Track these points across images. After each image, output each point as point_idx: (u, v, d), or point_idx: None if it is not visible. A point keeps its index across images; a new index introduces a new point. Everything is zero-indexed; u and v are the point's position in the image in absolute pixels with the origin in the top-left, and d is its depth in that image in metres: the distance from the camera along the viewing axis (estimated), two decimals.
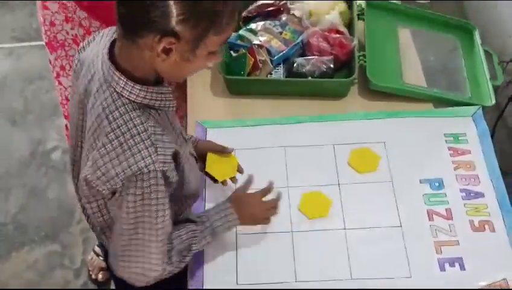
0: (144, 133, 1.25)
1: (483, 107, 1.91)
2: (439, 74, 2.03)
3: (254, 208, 1.58)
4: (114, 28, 1.32)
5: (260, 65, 1.96)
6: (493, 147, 1.82)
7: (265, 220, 1.60)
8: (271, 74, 1.99)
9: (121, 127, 1.25)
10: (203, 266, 1.61)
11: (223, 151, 1.67)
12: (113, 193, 1.30)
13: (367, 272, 1.59)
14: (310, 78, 1.94)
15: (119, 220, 1.33)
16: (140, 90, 1.26)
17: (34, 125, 3.18)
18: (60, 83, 2.11)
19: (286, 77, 1.98)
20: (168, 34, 1.16)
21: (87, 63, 1.37)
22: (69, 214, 2.79)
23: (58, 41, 2.01)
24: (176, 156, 1.33)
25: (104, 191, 1.29)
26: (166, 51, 1.19)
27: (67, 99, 2.13)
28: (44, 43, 2.07)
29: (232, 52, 2.04)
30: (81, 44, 1.47)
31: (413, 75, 2.00)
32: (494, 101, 1.91)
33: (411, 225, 1.66)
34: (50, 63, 2.09)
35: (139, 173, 1.24)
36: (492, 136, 1.86)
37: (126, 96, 1.26)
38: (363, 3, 2.13)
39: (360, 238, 1.65)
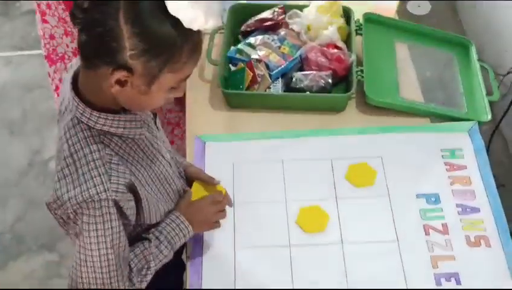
0: (99, 161, 1.25)
1: (480, 121, 1.93)
2: (435, 89, 2.05)
3: (204, 214, 1.55)
4: None
5: (259, 79, 1.98)
6: (489, 160, 1.84)
7: (216, 224, 1.59)
8: (269, 88, 2.00)
9: (77, 152, 1.25)
10: (201, 279, 1.62)
11: (209, 181, 1.64)
12: (67, 218, 1.29)
13: (364, 286, 1.60)
14: (308, 92, 1.96)
15: (76, 248, 1.33)
16: (99, 117, 1.26)
17: (32, 135, 3.19)
18: (58, 96, 2.12)
19: (284, 92, 2.00)
20: (121, 67, 1.16)
21: (64, 84, 1.37)
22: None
23: (57, 54, 2.03)
24: (133, 187, 1.32)
25: (58, 216, 1.31)
26: (121, 83, 1.18)
27: None
28: (43, 56, 2.08)
29: (230, 66, 2.05)
30: (69, 64, 1.46)
31: (410, 90, 2.01)
32: (490, 117, 1.93)
33: (408, 239, 1.68)
34: (49, 76, 2.11)
35: (90, 200, 1.23)
36: (488, 148, 1.87)
37: (85, 122, 1.26)
38: (361, 19, 2.14)
39: (357, 253, 1.66)
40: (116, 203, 1.27)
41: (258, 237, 1.70)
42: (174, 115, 2.27)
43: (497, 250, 1.65)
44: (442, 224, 1.70)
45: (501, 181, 1.81)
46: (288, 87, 2.01)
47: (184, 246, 1.62)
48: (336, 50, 2.03)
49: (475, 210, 1.73)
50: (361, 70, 1.99)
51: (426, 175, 1.81)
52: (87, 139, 1.26)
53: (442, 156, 1.85)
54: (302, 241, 1.69)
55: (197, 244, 1.67)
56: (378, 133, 1.91)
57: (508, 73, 2.42)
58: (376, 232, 1.70)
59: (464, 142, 1.87)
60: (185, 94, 2.03)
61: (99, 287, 1.36)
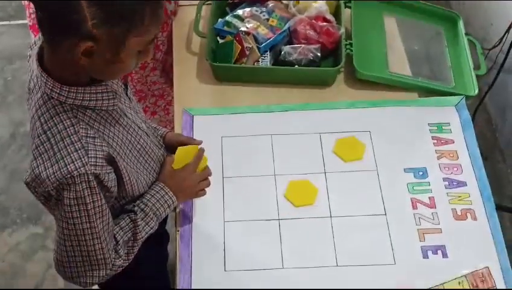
0: (74, 136, 1.24)
1: (466, 96, 1.94)
2: (423, 63, 2.05)
3: (188, 182, 1.56)
4: None
5: (247, 52, 1.97)
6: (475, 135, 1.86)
7: (201, 192, 1.61)
8: (258, 61, 1.99)
9: (51, 129, 1.23)
10: (191, 253, 1.63)
11: (189, 142, 1.65)
12: (48, 196, 1.28)
13: (352, 260, 1.62)
14: (296, 66, 1.96)
15: (60, 224, 1.32)
16: (69, 91, 1.24)
17: (14, 106, 3.15)
18: None
19: (273, 65, 1.99)
20: (85, 38, 1.14)
21: (31, 60, 1.35)
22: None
23: None
24: (111, 159, 1.31)
25: (38, 194, 1.29)
26: (88, 54, 1.17)
27: None
28: (28, 25, 2.05)
29: (218, 38, 2.04)
30: (33, 39, 1.43)
31: (398, 64, 2.02)
32: (477, 91, 1.94)
33: (395, 213, 1.70)
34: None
35: (69, 176, 1.23)
36: (472, 122, 1.89)
37: (56, 98, 1.24)
38: None
39: (345, 226, 1.68)
40: (97, 177, 1.26)
41: (247, 210, 1.71)
42: (158, 87, 2.25)
43: (482, 223, 1.68)
44: (429, 197, 1.72)
45: (484, 154, 1.83)
46: (277, 61, 2.00)
47: (167, 216, 1.62)
48: (324, 23, 2.02)
49: (462, 184, 1.75)
50: (350, 44, 1.99)
51: (414, 149, 1.82)
52: (60, 115, 1.24)
53: (430, 130, 1.86)
54: (291, 215, 1.70)
55: (186, 219, 1.68)
56: (366, 107, 1.91)
57: (494, 47, 2.43)
58: (364, 206, 1.72)
59: (451, 117, 1.89)
60: (172, 66, 2.04)
61: (85, 262, 1.36)
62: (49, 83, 1.23)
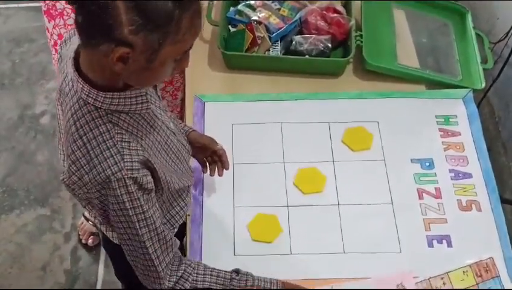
0: (110, 141, 1.25)
1: (473, 89, 1.97)
2: (431, 55, 2.08)
3: None
4: None
5: (259, 42, 1.99)
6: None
7: None
8: (269, 50, 2.02)
9: (87, 134, 1.24)
10: (201, 237, 1.67)
11: (211, 144, 1.67)
12: (92, 197, 1.30)
13: (359, 247, 1.66)
14: (307, 56, 1.98)
15: (115, 230, 1.35)
16: (105, 97, 1.24)
17: (22, 89, 3.17)
18: (57, 52, 2.11)
19: (283, 55, 2.02)
20: (121, 44, 1.12)
21: (64, 61, 1.35)
22: (59, 179, 2.80)
23: (56, 10, 2.01)
24: (146, 163, 1.32)
25: (80, 195, 1.31)
26: (124, 60, 1.15)
27: None
28: (42, 11, 2.07)
29: (230, 27, 2.06)
30: (64, 36, 1.44)
31: (407, 57, 2.05)
32: (484, 84, 1.98)
33: (402, 202, 1.74)
34: (48, 31, 2.09)
35: (107, 180, 1.24)
36: None
37: (91, 103, 1.24)
38: None
39: (352, 214, 1.72)
40: (135, 181, 1.27)
41: (256, 196, 1.74)
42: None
43: (487, 214, 1.72)
44: (436, 188, 1.76)
45: (487, 147, 1.86)
46: (288, 50, 2.03)
47: (185, 228, 1.67)
48: (335, 14, 2.04)
49: (467, 175, 1.78)
50: (360, 35, 2.01)
51: (421, 140, 1.86)
52: (96, 120, 1.25)
53: (437, 122, 1.89)
54: (300, 202, 1.74)
55: (197, 204, 1.71)
56: (375, 98, 1.94)
57: (500, 40, 2.45)
58: (371, 195, 1.75)
59: (459, 109, 1.92)
60: None
61: (142, 268, 1.38)
62: (85, 89, 1.24)
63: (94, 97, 1.24)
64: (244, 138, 1.86)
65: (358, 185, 1.77)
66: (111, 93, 1.24)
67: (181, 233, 1.68)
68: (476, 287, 1.57)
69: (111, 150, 1.24)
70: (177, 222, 1.57)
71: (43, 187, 2.81)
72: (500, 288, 1.57)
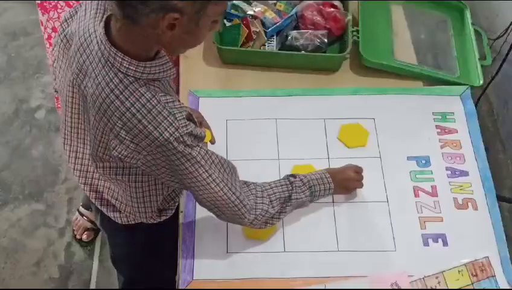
0: (159, 105, 1.27)
1: (471, 86, 1.95)
2: (429, 52, 2.06)
3: (348, 180, 1.68)
4: (96, 1, 1.34)
5: (254, 36, 1.97)
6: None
7: (354, 190, 1.72)
8: (264, 45, 2.00)
9: (134, 105, 1.26)
10: (194, 235, 1.65)
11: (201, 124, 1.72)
12: (152, 161, 1.33)
13: (353, 245, 1.64)
14: (303, 51, 1.96)
15: (187, 185, 1.39)
16: (144, 67, 1.27)
17: (17, 83, 3.14)
18: (51, 45, 2.09)
19: (279, 50, 2.00)
20: (170, 11, 1.16)
21: (78, 41, 1.35)
22: (54, 174, 2.80)
23: (50, 3, 2.00)
24: (190, 117, 1.35)
25: (140, 163, 1.33)
26: (171, 27, 1.20)
27: None
28: (36, 4, 2.05)
29: (225, 21, 2.04)
30: (62, 16, 1.46)
31: (404, 53, 2.03)
32: (482, 82, 1.96)
33: (397, 200, 1.72)
34: (41, 24, 2.07)
35: (167, 142, 1.27)
36: None
37: (132, 75, 1.27)
38: None
39: (347, 212, 1.70)
40: (191, 134, 1.30)
41: None
42: None
43: (483, 213, 1.70)
44: (432, 186, 1.74)
45: (485, 145, 1.84)
46: (284, 46, 2.01)
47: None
48: (332, 9, 2.02)
49: (464, 173, 1.76)
50: (357, 31, 1.99)
51: (417, 138, 1.84)
52: (139, 89, 1.27)
53: (434, 119, 1.87)
54: None
55: (190, 200, 1.69)
56: (371, 94, 1.92)
57: (499, 37, 2.43)
58: (366, 193, 1.73)
59: (456, 107, 1.90)
60: None
61: (225, 208, 1.45)
62: (125, 62, 1.26)
63: (134, 68, 1.27)
64: (239, 134, 1.84)
65: None
66: (149, 63, 1.28)
67: (173, 231, 1.67)
68: (471, 287, 1.55)
69: (163, 113, 1.27)
70: (174, 202, 1.61)
71: (37, 182, 2.79)
72: (495, 288, 1.55)
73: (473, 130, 1.85)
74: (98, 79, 1.29)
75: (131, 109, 1.26)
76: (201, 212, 1.67)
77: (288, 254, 1.63)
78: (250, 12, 2.01)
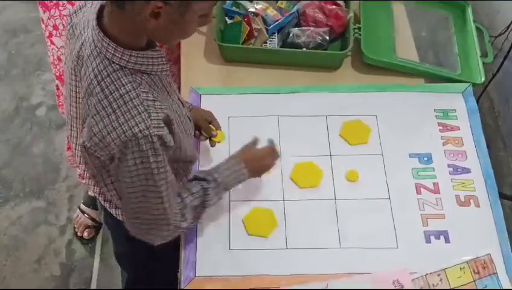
0: (136, 99, 1.26)
1: (472, 83, 1.95)
2: (430, 49, 2.06)
3: (262, 163, 1.63)
4: None
5: (255, 34, 1.97)
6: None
7: (268, 170, 1.66)
8: (266, 43, 1.99)
9: (113, 94, 1.26)
10: (196, 231, 1.65)
11: (208, 131, 1.71)
12: (112, 159, 1.32)
13: (355, 242, 1.64)
14: (304, 49, 1.96)
15: (124, 185, 1.36)
16: (130, 55, 1.26)
17: (18, 80, 3.14)
18: (52, 43, 2.08)
19: (281, 47, 2.00)
20: None
21: (79, 29, 1.37)
22: (55, 171, 2.80)
23: (52, 1, 1.99)
24: (168, 121, 1.34)
25: (102, 157, 1.31)
26: (155, 15, 1.19)
27: (59, 59, 2.11)
28: (38, 2, 2.04)
29: (227, 18, 2.04)
30: (73, 8, 1.46)
31: (406, 50, 2.02)
32: (483, 79, 1.96)
33: (399, 197, 1.72)
34: (42, 22, 2.06)
35: (134, 138, 1.26)
36: None
37: (117, 62, 1.26)
38: None
39: (349, 209, 1.70)
40: (160, 138, 1.29)
41: (252, 191, 1.72)
42: None
43: (485, 210, 1.70)
44: (434, 183, 1.74)
45: (486, 142, 1.84)
46: (285, 43, 2.00)
47: None
48: (333, 6, 2.02)
49: (466, 170, 1.76)
50: (359, 28, 1.99)
51: (419, 135, 1.84)
52: (121, 79, 1.26)
53: (436, 116, 1.87)
54: (296, 196, 1.72)
55: None
56: (373, 92, 1.92)
57: (500, 34, 2.43)
58: (368, 190, 1.73)
59: (458, 104, 1.90)
60: (179, 45, 2.04)
61: (151, 221, 1.42)
62: (111, 48, 1.25)
63: (120, 56, 1.26)
64: (241, 131, 1.83)
65: (355, 180, 1.75)
66: (136, 52, 1.27)
67: None
68: (473, 284, 1.55)
69: (138, 108, 1.26)
70: None
71: (38, 179, 2.79)
72: (497, 286, 1.55)
73: (475, 127, 1.85)
74: (87, 64, 1.30)
75: (109, 97, 1.26)
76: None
77: (290, 251, 1.63)
78: (251, 9, 2.01)
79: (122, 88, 1.26)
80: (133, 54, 1.27)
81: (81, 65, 1.33)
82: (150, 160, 1.29)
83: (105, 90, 1.26)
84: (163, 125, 1.30)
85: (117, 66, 1.26)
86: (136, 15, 1.19)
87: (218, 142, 1.72)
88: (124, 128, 1.25)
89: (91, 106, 1.28)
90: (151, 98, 1.29)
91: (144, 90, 1.28)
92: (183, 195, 1.49)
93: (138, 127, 1.25)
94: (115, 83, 1.26)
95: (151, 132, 1.26)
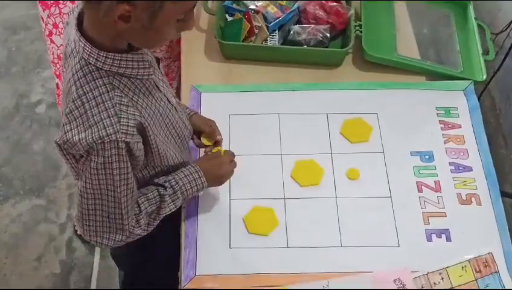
0: (108, 102, 1.25)
1: (474, 80, 1.94)
2: (432, 46, 2.05)
3: (222, 171, 1.59)
4: None
5: (256, 31, 1.96)
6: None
7: (223, 182, 1.62)
8: (266, 40, 1.99)
9: (86, 94, 1.25)
10: (196, 229, 1.64)
11: (211, 136, 1.68)
12: (80, 157, 1.31)
13: (356, 240, 1.64)
14: (305, 46, 1.95)
15: (83, 184, 1.34)
16: (106, 57, 1.25)
17: (18, 77, 3.14)
18: (52, 42, 2.08)
19: (281, 44, 1.99)
20: (122, 1, 1.13)
21: (70, 26, 1.36)
22: (55, 169, 2.79)
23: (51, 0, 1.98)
24: (142, 129, 1.32)
25: (67, 156, 1.32)
26: (125, 19, 1.16)
27: (59, 58, 2.11)
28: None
29: (227, 16, 2.03)
30: (72, 6, 1.46)
31: (407, 47, 2.01)
32: (485, 76, 1.95)
33: (401, 195, 1.71)
34: (42, 20, 2.06)
35: (99, 141, 1.25)
36: None
37: (93, 63, 1.25)
38: None
39: (350, 207, 1.69)
40: (126, 145, 1.28)
41: (253, 189, 1.72)
42: (164, 64, 2.25)
43: (487, 208, 1.69)
44: (435, 181, 1.73)
45: (488, 141, 1.84)
46: (286, 40, 1.99)
47: None
48: (334, 3, 2.01)
49: (467, 169, 1.76)
50: (360, 25, 1.98)
51: (421, 133, 1.83)
52: (96, 80, 1.25)
53: (437, 114, 1.86)
54: (297, 195, 1.71)
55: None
56: (374, 89, 1.91)
57: (501, 31, 2.42)
58: (370, 188, 1.73)
59: (459, 101, 1.89)
60: (180, 43, 2.03)
61: (104, 223, 1.40)
62: (87, 49, 1.24)
63: (95, 57, 1.25)
64: (241, 129, 1.83)
65: (356, 178, 1.74)
66: (112, 54, 1.25)
67: (174, 227, 1.66)
68: (474, 283, 1.55)
69: (109, 111, 1.25)
70: None
71: (38, 177, 2.78)
72: (498, 285, 1.55)
73: (476, 125, 1.84)
74: (68, 62, 1.30)
75: (83, 97, 1.25)
76: (203, 207, 1.68)
77: (291, 250, 1.62)
78: (252, 6, 2.00)
79: (95, 90, 1.25)
80: (109, 56, 1.25)
81: (67, 63, 1.33)
82: (113, 165, 1.29)
83: (79, 90, 1.25)
84: (132, 132, 1.28)
85: (93, 67, 1.26)
86: (104, 16, 1.17)
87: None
88: (93, 131, 1.25)
89: (67, 104, 1.28)
90: (124, 103, 1.28)
91: (118, 94, 1.27)
92: (139, 200, 1.46)
93: (106, 130, 1.24)
94: (89, 84, 1.25)
95: (118, 137, 1.25)
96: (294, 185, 1.73)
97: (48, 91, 3.04)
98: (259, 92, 1.91)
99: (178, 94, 2.12)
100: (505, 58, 2.29)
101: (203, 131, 1.67)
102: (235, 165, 1.62)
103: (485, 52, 2.02)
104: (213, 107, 1.86)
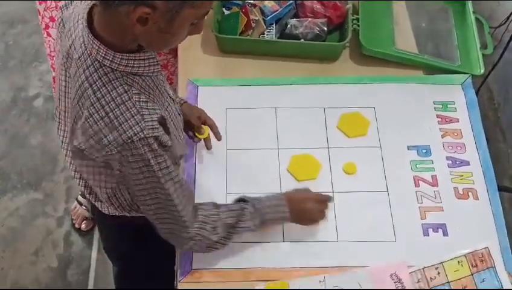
0: (129, 102, 1.25)
1: (472, 74, 1.93)
2: (430, 40, 2.04)
3: (307, 208, 1.58)
4: None
5: (253, 25, 1.96)
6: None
7: (314, 222, 1.61)
8: (263, 34, 1.98)
9: (105, 97, 1.24)
10: None
11: (198, 128, 1.70)
12: (107, 162, 1.31)
13: (353, 235, 1.63)
14: (302, 40, 1.94)
15: (135, 189, 1.35)
16: (121, 58, 1.25)
17: (15, 71, 3.13)
18: (48, 35, 2.07)
19: (278, 38, 1.98)
20: (142, 4, 1.13)
21: (69, 25, 1.35)
22: (53, 162, 2.79)
23: None
24: (163, 121, 1.33)
25: (98, 159, 1.31)
26: (143, 21, 1.16)
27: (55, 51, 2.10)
28: None
29: (224, 9, 2.02)
30: (63, 1, 1.43)
31: (405, 41, 2.01)
32: (483, 70, 1.94)
33: (397, 190, 1.71)
34: (39, 13, 2.05)
35: (129, 141, 1.25)
36: None
37: (108, 65, 1.25)
38: None
39: (347, 202, 1.69)
40: (156, 139, 1.28)
41: (249, 183, 1.71)
42: (163, 58, 2.24)
43: (484, 203, 1.69)
44: (432, 176, 1.73)
45: (486, 135, 1.83)
46: (283, 34, 1.99)
47: None
48: None
49: (465, 163, 1.75)
50: (357, 19, 1.98)
51: (418, 127, 1.82)
52: (112, 82, 1.25)
53: (435, 108, 1.86)
54: None
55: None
56: (371, 83, 1.91)
57: (500, 25, 2.41)
58: (366, 182, 1.72)
59: (457, 95, 1.88)
60: None
61: (168, 217, 1.41)
62: (102, 51, 1.24)
63: (111, 59, 1.24)
64: (238, 123, 1.83)
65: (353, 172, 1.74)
66: (126, 55, 1.25)
67: None
68: (470, 278, 1.54)
69: (131, 110, 1.25)
70: None
71: (36, 171, 2.78)
72: (495, 280, 1.54)
73: (474, 119, 1.84)
74: (77, 64, 1.28)
75: (101, 100, 1.24)
76: (200, 201, 1.66)
77: (287, 244, 1.62)
78: (249, 0, 1.99)
79: (113, 91, 1.25)
80: (124, 57, 1.25)
81: (70, 64, 1.32)
82: (150, 162, 1.29)
83: (97, 92, 1.25)
84: (158, 126, 1.28)
85: (108, 68, 1.25)
86: (124, 18, 1.16)
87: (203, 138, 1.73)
88: (120, 132, 1.24)
89: (83, 108, 1.27)
90: (143, 100, 1.28)
91: (135, 92, 1.27)
92: (221, 208, 1.48)
93: (132, 130, 1.24)
94: (106, 86, 1.25)
95: (145, 134, 1.25)
96: (291, 179, 1.73)
97: (46, 85, 3.03)
98: (256, 86, 1.90)
99: (175, 88, 2.12)
100: (503, 51, 2.28)
101: (193, 124, 1.69)
102: (324, 206, 1.60)
103: (483, 46, 2.01)
104: (210, 101, 1.85)
